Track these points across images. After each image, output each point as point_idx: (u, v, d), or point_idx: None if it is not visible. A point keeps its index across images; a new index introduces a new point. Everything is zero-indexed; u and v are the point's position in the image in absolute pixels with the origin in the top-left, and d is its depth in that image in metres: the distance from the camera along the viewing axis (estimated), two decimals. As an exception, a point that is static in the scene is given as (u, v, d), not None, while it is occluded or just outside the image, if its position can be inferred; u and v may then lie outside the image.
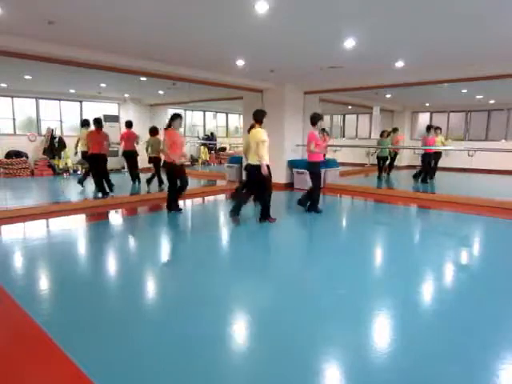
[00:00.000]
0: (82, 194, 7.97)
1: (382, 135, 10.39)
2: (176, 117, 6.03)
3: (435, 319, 2.66)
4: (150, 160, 8.61)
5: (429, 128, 9.44)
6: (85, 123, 8.61)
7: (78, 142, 8.70)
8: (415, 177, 10.02)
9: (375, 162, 11.05)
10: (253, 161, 5.23)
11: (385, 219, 6.15)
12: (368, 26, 4.64)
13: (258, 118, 5.25)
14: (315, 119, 5.88)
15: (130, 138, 8.68)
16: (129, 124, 8.81)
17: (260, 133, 5.15)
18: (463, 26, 4.58)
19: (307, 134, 6.10)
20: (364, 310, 2.77)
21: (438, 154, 9.82)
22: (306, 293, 3.10)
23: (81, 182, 8.37)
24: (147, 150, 8.57)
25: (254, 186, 5.43)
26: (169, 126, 5.99)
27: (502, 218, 6.06)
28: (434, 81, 7.55)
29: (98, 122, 7.44)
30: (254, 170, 5.23)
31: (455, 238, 4.92)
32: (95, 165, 7.33)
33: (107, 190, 7.42)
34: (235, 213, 5.39)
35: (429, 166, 9.68)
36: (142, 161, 9.33)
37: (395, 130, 11.44)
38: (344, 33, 4.94)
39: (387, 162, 10.91)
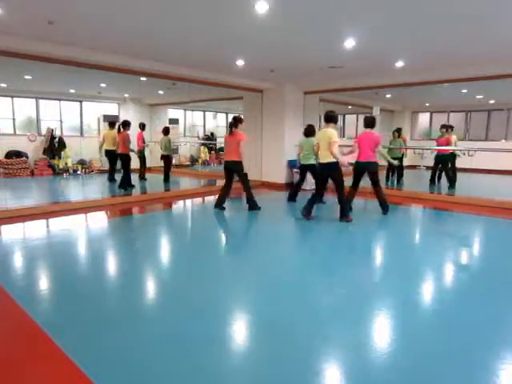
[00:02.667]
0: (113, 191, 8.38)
1: (393, 135, 9.92)
2: (242, 120, 6.23)
3: (435, 319, 2.65)
4: (162, 157, 9.59)
5: (447, 127, 8.92)
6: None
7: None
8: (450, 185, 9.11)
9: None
10: (325, 159, 5.43)
11: (384, 219, 6.14)
12: (368, 25, 4.64)
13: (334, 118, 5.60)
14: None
15: (142, 139, 9.78)
16: (143, 126, 9.86)
17: (334, 133, 5.41)
18: (463, 26, 4.58)
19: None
20: (364, 310, 2.76)
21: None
22: (307, 292, 3.10)
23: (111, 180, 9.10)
24: (161, 149, 9.52)
25: (323, 184, 5.77)
26: (235, 128, 6.07)
27: (502, 218, 6.06)
28: (434, 81, 7.55)
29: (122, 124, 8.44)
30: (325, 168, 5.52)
31: (455, 238, 4.92)
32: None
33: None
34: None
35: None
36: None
37: (399, 130, 11.08)
38: (344, 33, 4.94)
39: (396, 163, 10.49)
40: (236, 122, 6.05)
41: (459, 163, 11.95)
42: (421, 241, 4.98)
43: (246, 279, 3.43)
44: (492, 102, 12.80)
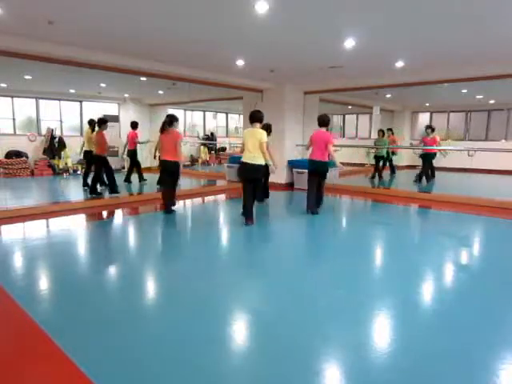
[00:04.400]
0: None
1: (378, 135, 10.52)
2: (177, 119, 6.12)
3: (435, 319, 2.65)
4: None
5: (432, 128, 9.41)
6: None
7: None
8: (417, 181, 9.77)
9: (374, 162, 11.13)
10: (256, 160, 5.16)
11: (384, 219, 6.14)
12: (368, 25, 4.64)
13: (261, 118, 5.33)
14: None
15: (134, 138, 9.10)
16: (134, 125, 9.18)
17: (264, 134, 5.20)
18: (463, 26, 4.58)
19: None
20: (364, 310, 2.77)
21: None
22: (306, 293, 3.10)
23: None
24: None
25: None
26: (169, 126, 5.95)
27: (502, 218, 6.06)
28: (434, 81, 7.55)
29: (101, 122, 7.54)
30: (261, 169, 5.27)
31: (455, 238, 4.92)
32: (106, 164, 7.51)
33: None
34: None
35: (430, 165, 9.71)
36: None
37: (387, 130, 11.33)
38: (344, 33, 4.94)
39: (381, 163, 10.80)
40: (172, 120, 5.92)
41: (459, 163, 12.07)
42: (421, 241, 4.98)
43: (245, 279, 3.43)
44: (492, 101, 12.80)
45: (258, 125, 5.24)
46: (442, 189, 9.08)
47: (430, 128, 9.42)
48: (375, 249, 4.59)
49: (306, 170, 8.63)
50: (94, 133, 7.63)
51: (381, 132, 10.44)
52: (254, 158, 5.13)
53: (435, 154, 9.74)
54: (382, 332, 2.52)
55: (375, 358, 2.15)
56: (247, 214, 5.31)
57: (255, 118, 5.23)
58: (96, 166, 7.45)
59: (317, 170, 6.01)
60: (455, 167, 12.55)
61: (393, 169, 11.40)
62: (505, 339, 2.38)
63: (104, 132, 7.44)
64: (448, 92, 10.59)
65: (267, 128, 6.81)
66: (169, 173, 6.06)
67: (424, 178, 9.67)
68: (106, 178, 7.71)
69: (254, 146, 5.11)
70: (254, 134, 5.15)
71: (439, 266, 3.82)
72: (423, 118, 15.51)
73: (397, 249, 4.49)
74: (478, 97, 11.84)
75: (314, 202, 6.06)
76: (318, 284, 3.30)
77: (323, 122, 5.98)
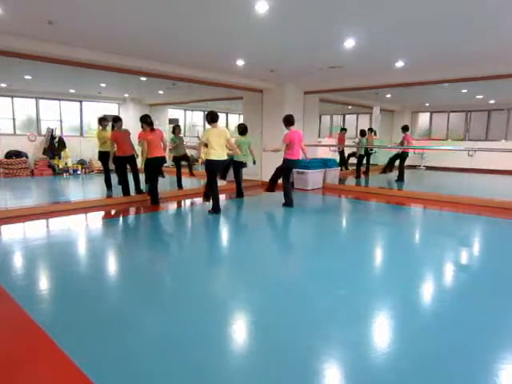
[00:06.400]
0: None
1: (361, 135, 11.00)
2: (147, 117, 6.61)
3: (435, 319, 2.65)
4: (174, 159, 8.56)
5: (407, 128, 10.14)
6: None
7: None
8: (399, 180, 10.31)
9: (374, 162, 11.30)
10: (224, 156, 5.93)
11: (384, 219, 6.14)
12: (368, 26, 4.64)
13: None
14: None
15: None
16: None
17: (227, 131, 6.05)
18: (463, 26, 4.58)
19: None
20: (363, 311, 2.76)
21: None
22: (305, 293, 3.10)
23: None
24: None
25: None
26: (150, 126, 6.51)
27: (502, 218, 6.06)
28: (434, 81, 7.56)
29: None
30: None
31: (455, 238, 4.92)
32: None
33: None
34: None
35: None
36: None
37: (370, 129, 11.58)
38: (344, 33, 4.94)
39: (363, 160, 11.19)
40: (152, 120, 6.55)
41: (459, 163, 12.11)
42: (421, 241, 4.97)
43: (244, 279, 3.43)
44: (492, 101, 12.80)
45: (216, 124, 5.82)
46: (442, 189, 9.07)
47: (404, 128, 10.07)
48: (375, 248, 4.58)
49: (307, 170, 8.74)
50: (109, 132, 7.55)
51: (362, 132, 10.97)
52: (223, 155, 5.82)
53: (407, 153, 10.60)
54: (381, 332, 2.51)
55: (375, 358, 2.14)
56: (218, 207, 6.02)
57: (216, 118, 5.82)
58: (131, 165, 7.25)
59: (294, 168, 6.76)
60: (455, 167, 12.56)
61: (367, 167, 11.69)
62: (505, 339, 2.38)
63: (126, 130, 7.26)
64: (448, 92, 10.60)
65: (244, 128, 7.46)
66: (160, 167, 6.64)
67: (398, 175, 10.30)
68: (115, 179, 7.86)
69: (222, 145, 5.77)
70: (221, 133, 5.77)
71: (439, 265, 3.82)
72: (423, 118, 15.51)
73: (397, 249, 4.49)
74: (477, 97, 11.85)
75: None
76: (316, 284, 3.29)
77: (293, 121, 6.54)
